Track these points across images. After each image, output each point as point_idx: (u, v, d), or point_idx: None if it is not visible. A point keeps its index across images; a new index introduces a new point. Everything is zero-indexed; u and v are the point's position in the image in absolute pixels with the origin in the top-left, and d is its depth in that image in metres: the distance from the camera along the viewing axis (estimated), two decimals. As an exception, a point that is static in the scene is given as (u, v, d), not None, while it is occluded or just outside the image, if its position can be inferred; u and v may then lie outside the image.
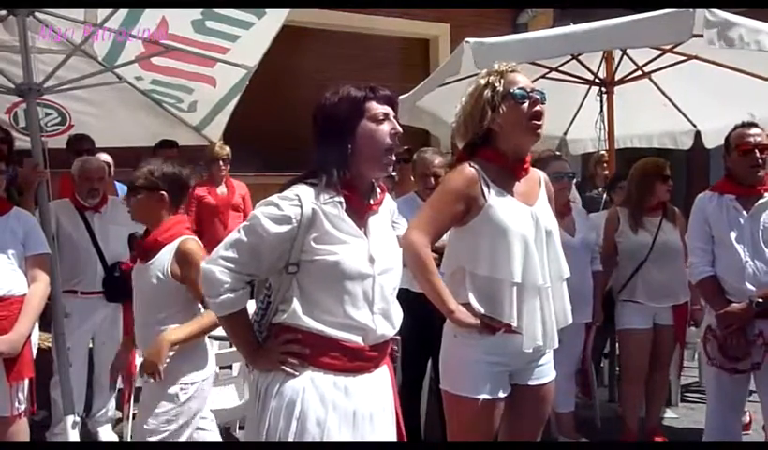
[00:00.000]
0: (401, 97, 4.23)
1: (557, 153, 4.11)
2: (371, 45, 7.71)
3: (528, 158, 2.28)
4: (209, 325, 2.47)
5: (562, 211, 3.46)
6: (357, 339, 1.79)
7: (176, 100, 4.53)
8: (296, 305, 1.76)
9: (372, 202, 1.87)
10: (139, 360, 2.59)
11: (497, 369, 2.18)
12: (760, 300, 2.88)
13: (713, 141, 5.40)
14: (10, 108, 4.34)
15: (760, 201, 3.00)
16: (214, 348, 2.78)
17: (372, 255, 1.80)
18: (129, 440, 3.30)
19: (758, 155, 2.97)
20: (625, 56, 4.83)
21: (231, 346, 3.13)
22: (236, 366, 3.94)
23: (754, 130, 3.04)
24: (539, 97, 2.18)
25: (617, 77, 4.91)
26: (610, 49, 4.56)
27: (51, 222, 3.49)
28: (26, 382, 2.86)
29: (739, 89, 4.54)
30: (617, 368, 4.37)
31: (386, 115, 1.82)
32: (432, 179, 3.41)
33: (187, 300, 2.51)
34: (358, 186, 1.83)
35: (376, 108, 1.81)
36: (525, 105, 2.16)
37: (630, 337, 3.70)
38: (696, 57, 4.51)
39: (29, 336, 2.87)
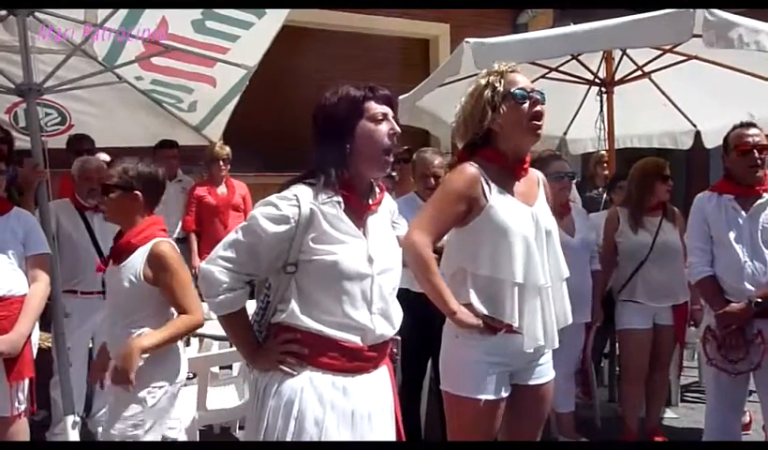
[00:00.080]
0: (401, 97, 4.24)
1: (557, 153, 4.12)
2: (371, 45, 7.70)
3: (528, 159, 2.28)
4: (181, 332, 2.43)
5: (562, 211, 3.46)
6: (355, 339, 1.79)
7: (176, 100, 4.54)
8: (294, 305, 1.76)
9: (371, 201, 1.87)
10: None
11: (498, 370, 2.18)
12: (759, 300, 2.89)
13: (713, 141, 5.39)
14: (10, 108, 4.34)
15: (759, 201, 3.00)
16: (186, 353, 2.68)
17: (370, 255, 1.80)
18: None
19: (756, 155, 2.98)
20: (625, 56, 4.83)
21: (231, 346, 3.12)
22: (236, 366, 3.94)
23: (752, 130, 3.04)
24: (539, 97, 2.18)
25: (617, 77, 4.90)
26: (610, 49, 4.56)
27: (51, 222, 3.49)
28: (26, 382, 2.86)
29: (739, 89, 4.54)
30: (617, 368, 4.37)
31: (385, 115, 1.82)
32: (432, 179, 3.41)
33: (160, 303, 2.44)
34: (356, 186, 1.83)
35: (375, 108, 1.81)
36: (526, 105, 2.16)
37: (630, 337, 3.70)
38: (696, 57, 4.50)
39: (29, 336, 2.87)
